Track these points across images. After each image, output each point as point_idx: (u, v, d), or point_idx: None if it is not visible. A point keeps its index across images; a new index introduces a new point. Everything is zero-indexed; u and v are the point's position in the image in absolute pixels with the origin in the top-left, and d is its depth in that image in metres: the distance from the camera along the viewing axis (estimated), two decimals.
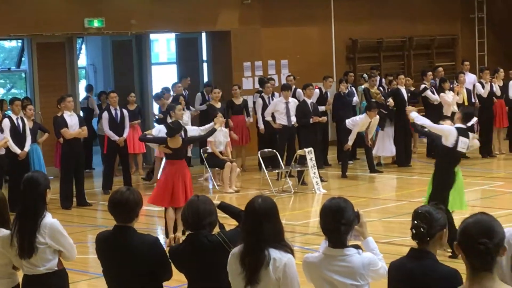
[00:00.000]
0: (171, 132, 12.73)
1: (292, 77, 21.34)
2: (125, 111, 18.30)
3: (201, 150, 18.33)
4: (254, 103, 20.49)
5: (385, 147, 19.96)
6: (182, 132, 13.11)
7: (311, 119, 18.54)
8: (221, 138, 17.57)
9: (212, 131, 13.82)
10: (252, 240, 5.39)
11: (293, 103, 18.98)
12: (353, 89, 21.34)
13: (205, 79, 23.84)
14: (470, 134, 11.89)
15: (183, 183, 12.68)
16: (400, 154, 19.94)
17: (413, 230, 5.05)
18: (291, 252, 5.46)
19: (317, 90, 20.04)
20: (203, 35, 24.17)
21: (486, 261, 3.94)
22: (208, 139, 17.08)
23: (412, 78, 22.63)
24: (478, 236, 3.94)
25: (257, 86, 21.98)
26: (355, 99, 20.99)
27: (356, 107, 21.06)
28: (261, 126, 19.76)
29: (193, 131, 13.97)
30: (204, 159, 18.08)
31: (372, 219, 14.54)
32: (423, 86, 21.10)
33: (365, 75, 22.13)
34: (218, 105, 19.16)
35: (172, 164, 12.80)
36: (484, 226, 3.98)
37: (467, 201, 12.52)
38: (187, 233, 6.08)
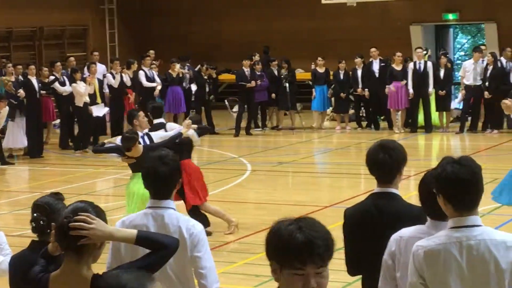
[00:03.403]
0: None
1: None
2: None
3: None
4: None
5: (16, 139, 19.54)
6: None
7: None
8: None
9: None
10: None
11: None
12: None
13: None
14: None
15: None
16: (32, 145, 19.63)
17: (33, 223, 4.98)
18: None
19: None
20: None
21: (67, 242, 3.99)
22: None
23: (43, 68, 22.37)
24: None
25: None
26: None
27: None
28: None
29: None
30: None
31: (3, 212, 14.24)
32: (52, 77, 20.94)
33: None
34: None
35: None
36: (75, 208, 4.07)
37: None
38: None
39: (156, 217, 4.98)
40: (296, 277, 3.17)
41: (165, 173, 4.96)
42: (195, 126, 12.06)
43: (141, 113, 11.90)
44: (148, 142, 11.31)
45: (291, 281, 3.18)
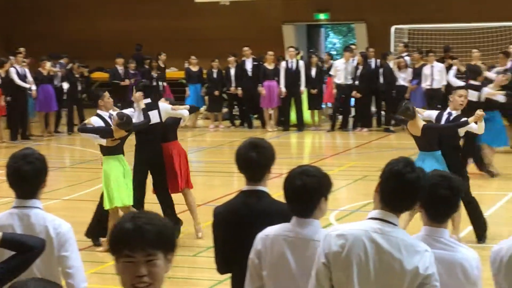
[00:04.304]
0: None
1: None
2: None
3: None
4: None
5: None
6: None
7: None
8: None
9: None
10: None
11: None
12: None
13: None
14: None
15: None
16: None
17: None
18: None
19: None
20: None
21: None
22: None
23: None
24: None
25: None
26: None
27: None
28: None
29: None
30: None
31: None
32: None
33: None
34: None
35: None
36: None
37: None
38: None
39: (22, 217, 4.90)
40: (127, 266, 3.17)
41: (29, 173, 4.87)
42: (187, 106, 12.04)
43: (106, 94, 11.55)
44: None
45: (124, 270, 3.18)
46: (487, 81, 16.06)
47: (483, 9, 25.68)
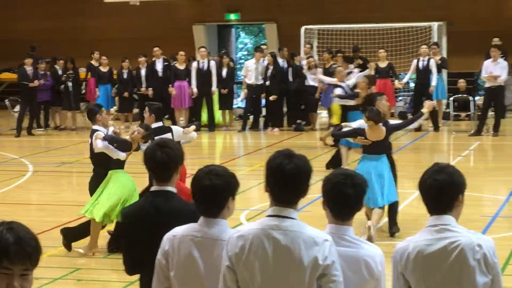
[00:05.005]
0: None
1: None
2: None
3: None
4: None
5: None
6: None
7: None
8: None
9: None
10: None
11: None
12: None
13: None
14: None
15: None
16: None
17: None
18: None
19: None
20: None
21: None
22: None
23: None
24: None
25: None
26: None
27: None
28: None
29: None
30: None
31: None
32: None
33: None
34: None
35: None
36: None
37: None
38: None
39: None
40: (1, 277, 3.11)
41: None
42: (194, 127, 11.91)
43: (103, 109, 11.35)
44: None
45: None
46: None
47: (391, 10, 26.12)
